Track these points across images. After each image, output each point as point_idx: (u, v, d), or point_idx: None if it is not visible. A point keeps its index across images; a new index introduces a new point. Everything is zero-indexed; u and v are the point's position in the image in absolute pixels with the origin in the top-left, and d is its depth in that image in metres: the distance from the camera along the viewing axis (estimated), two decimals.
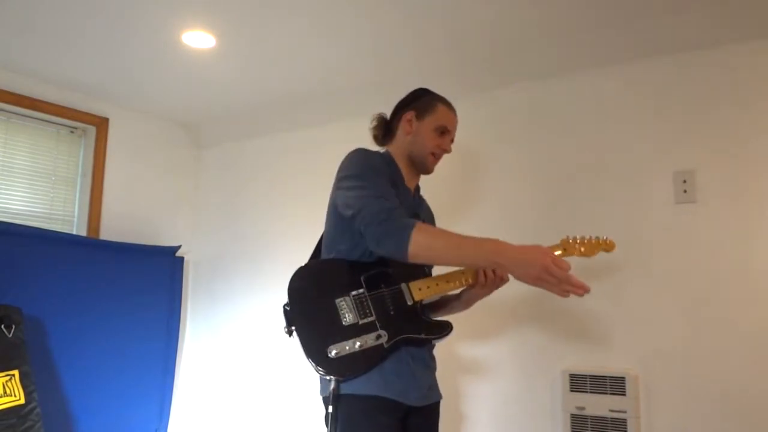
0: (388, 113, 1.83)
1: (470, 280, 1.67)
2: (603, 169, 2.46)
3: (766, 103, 2.17)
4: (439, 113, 1.72)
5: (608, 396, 2.24)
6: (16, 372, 2.43)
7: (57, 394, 2.77)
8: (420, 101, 1.74)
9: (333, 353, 1.47)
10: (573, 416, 2.29)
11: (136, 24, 2.39)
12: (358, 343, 1.49)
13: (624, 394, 2.21)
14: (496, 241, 1.42)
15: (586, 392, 2.28)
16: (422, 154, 1.71)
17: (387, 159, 1.71)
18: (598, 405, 2.25)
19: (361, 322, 1.52)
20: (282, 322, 1.54)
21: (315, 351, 1.47)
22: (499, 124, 2.73)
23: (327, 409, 1.55)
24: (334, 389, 1.47)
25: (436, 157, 1.74)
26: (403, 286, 1.60)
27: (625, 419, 2.20)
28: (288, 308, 1.55)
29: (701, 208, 2.24)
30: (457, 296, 1.78)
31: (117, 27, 2.42)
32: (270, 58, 2.69)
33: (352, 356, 1.48)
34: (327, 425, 1.53)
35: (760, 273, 2.12)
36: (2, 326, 2.46)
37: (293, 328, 1.51)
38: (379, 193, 1.51)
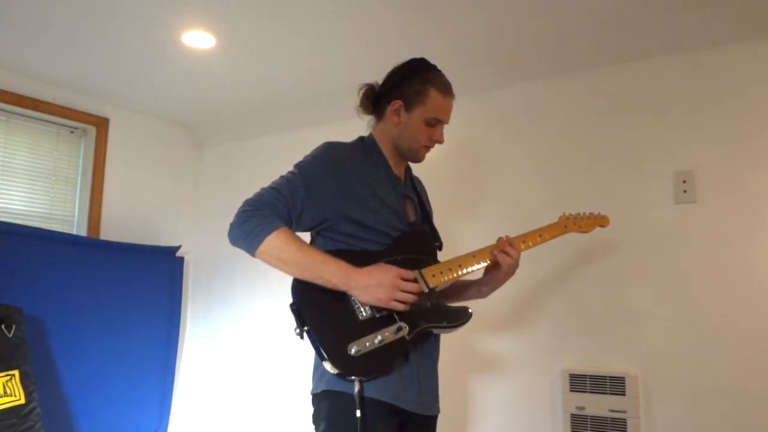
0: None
1: (486, 262, 1.61)
2: (603, 169, 2.46)
3: (766, 103, 2.17)
4: (429, 103, 1.56)
5: (608, 396, 2.24)
6: (16, 372, 2.43)
7: (57, 394, 2.77)
8: (410, 86, 1.56)
9: (353, 351, 1.36)
10: (573, 416, 2.29)
11: (136, 24, 2.39)
12: (378, 338, 1.39)
13: (624, 394, 2.22)
14: (345, 266, 1.40)
15: (586, 392, 2.28)
16: (413, 148, 1.60)
17: (368, 146, 1.61)
18: (598, 405, 2.25)
19: (378, 315, 1.42)
20: (286, 322, 1.46)
21: (333, 351, 1.37)
22: (500, 124, 2.73)
23: (314, 406, 1.48)
24: (359, 391, 1.36)
25: (428, 149, 1.63)
26: (416, 273, 1.50)
27: (624, 419, 2.20)
28: (296, 307, 1.43)
29: (701, 208, 2.24)
30: (474, 283, 1.70)
31: (117, 27, 2.42)
32: (270, 59, 2.69)
33: (374, 353, 1.39)
34: (314, 424, 1.47)
35: (760, 273, 2.12)
36: (2, 326, 2.46)
37: (306, 328, 1.39)
38: (282, 188, 1.45)
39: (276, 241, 1.40)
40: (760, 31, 2.19)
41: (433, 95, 1.57)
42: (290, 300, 1.46)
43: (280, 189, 1.46)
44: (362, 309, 1.42)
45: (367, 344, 1.39)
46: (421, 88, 1.57)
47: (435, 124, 1.59)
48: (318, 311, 1.42)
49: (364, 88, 1.66)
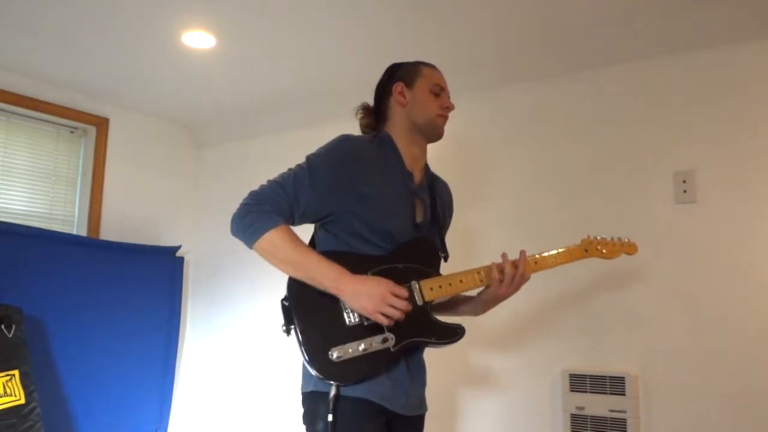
0: None
1: (485, 281, 1.57)
2: (603, 169, 2.46)
3: (766, 103, 2.17)
4: (426, 75, 1.62)
5: (608, 396, 2.24)
6: (16, 372, 2.43)
7: (57, 394, 2.77)
8: (401, 71, 1.64)
9: (335, 356, 1.36)
10: (573, 416, 2.29)
11: (136, 24, 2.39)
12: (362, 346, 1.37)
13: (624, 394, 2.21)
14: (339, 270, 1.40)
15: (586, 392, 2.28)
16: (429, 119, 1.60)
17: (382, 141, 1.59)
18: (598, 405, 2.25)
19: (366, 323, 1.40)
20: (280, 319, 1.46)
21: (314, 353, 1.37)
22: (500, 124, 2.73)
23: (305, 406, 1.47)
24: (334, 395, 1.36)
25: (444, 118, 1.63)
26: (414, 284, 1.48)
27: (624, 419, 2.20)
28: (287, 303, 1.43)
29: (701, 208, 2.24)
30: (471, 298, 1.68)
31: (117, 27, 2.42)
32: (270, 58, 2.69)
33: (355, 360, 1.38)
34: (305, 423, 1.46)
35: (759, 273, 2.12)
36: (2, 326, 2.46)
37: (292, 326, 1.40)
38: (286, 183, 1.45)
39: (273, 238, 1.41)
40: (760, 31, 2.19)
41: (425, 70, 1.64)
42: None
43: (285, 184, 1.46)
44: (351, 315, 1.41)
45: (350, 351, 1.37)
46: (412, 68, 1.64)
47: (439, 92, 1.62)
48: (307, 312, 1.41)
49: (361, 110, 1.70)
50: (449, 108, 1.63)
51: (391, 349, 1.42)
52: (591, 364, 2.37)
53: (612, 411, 2.22)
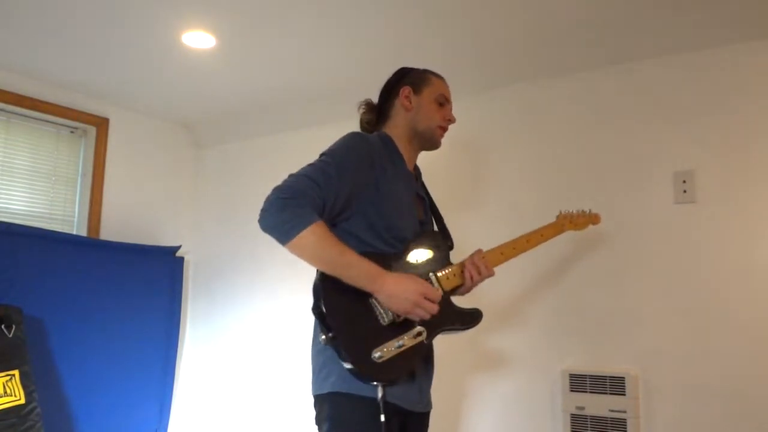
0: None
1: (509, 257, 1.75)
2: (603, 169, 2.46)
3: (766, 104, 2.17)
4: (434, 84, 1.66)
5: (608, 396, 2.24)
6: (16, 372, 2.43)
7: (57, 394, 2.77)
8: (411, 76, 1.67)
9: (377, 356, 1.38)
10: (573, 416, 2.29)
11: (136, 24, 2.39)
12: (399, 343, 1.41)
13: (624, 394, 2.22)
14: (377, 269, 1.39)
15: (586, 392, 2.29)
16: (430, 129, 1.64)
17: (386, 143, 1.61)
18: (598, 405, 2.25)
19: (398, 320, 1.43)
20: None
21: (360, 357, 1.37)
22: (499, 125, 2.73)
23: (317, 408, 1.47)
24: (383, 397, 1.37)
25: (444, 130, 1.68)
26: (431, 276, 1.53)
27: (624, 419, 2.20)
28: (320, 311, 1.40)
29: (701, 208, 2.24)
30: None
31: (117, 27, 2.42)
32: (270, 59, 2.69)
33: (395, 359, 1.40)
34: (317, 425, 1.46)
35: (759, 273, 2.12)
36: (2, 326, 2.46)
37: (331, 334, 1.37)
38: (317, 177, 1.40)
39: (312, 236, 1.36)
40: (760, 31, 2.19)
41: (434, 79, 1.68)
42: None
43: (316, 179, 1.41)
44: (384, 314, 1.42)
45: (390, 349, 1.40)
46: (422, 75, 1.68)
47: (444, 103, 1.67)
48: (342, 316, 1.40)
49: (364, 105, 1.72)
50: (451, 121, 1.68)
51: (425, 342, 1.47)
52: (591, 364, 2.37)
53: (612, 411, 2.22)
